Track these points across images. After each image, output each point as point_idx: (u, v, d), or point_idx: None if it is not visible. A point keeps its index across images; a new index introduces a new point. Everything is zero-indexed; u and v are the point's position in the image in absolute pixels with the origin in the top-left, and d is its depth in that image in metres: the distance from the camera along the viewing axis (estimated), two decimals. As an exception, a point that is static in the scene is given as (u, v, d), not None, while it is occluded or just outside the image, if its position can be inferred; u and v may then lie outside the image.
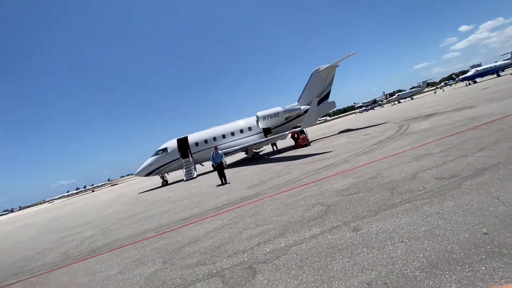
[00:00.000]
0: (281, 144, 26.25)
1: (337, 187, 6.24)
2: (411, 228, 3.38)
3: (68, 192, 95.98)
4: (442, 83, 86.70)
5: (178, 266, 4.31)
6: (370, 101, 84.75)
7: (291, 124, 22.29)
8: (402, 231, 3.37)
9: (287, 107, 22.86)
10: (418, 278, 2.46)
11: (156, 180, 24.55)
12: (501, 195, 3.57)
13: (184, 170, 20.19)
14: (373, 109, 74.03)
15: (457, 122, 10.76)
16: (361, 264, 2.91)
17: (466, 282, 2.26)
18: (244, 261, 3.80)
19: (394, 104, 67.46)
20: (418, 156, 7.01)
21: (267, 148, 26.14)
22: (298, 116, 22.34)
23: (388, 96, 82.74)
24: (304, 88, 24.04)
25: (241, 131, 21.75)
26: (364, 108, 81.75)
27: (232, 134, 21.57)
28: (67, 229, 12.48)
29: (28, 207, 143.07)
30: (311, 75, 23.75)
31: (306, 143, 19.75)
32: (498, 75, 49.47)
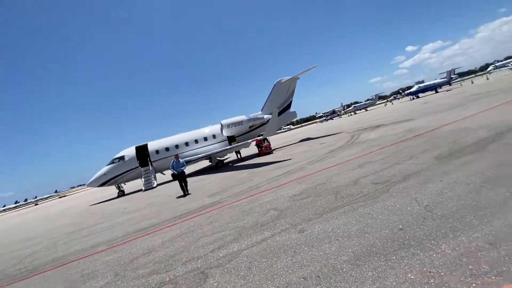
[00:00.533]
0: (245, 152, 26.64)
1: (291, 193, 6.69)
2: (346, 227, 3.86)
3: (4, 206, 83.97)
4: (392, 97, 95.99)
5: (130, 277, 4.25)
6: (329, 111, 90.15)
7: (255, 133, 22.85)
8: (338, 230, 3.83)
9: (251, 116, 23.44)
10: (345, 269, 2.87)
11: (112, 190, 23.00)
12: (418, 197, 4.27)
13: (143, 179, 19.31)
14: (332, 119, 78.91)
15: (399, 133, 12.16)
16: (301, 262, 3.26)
17: (380, 269, 2.71)
18: (198, 267, 3.92)
19: (351, 115, 72.72)
20: (362, 163, 7.83)
21: (232, 156, 26.30)
22: (262, 124, 22.99)
23: (345, 107, 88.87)
24: (267, 98, 24.94)
25: (205, 138, 21.64)
26: (324, 118, 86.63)
27: (196, 141, 21.34)
28: (5, 246, 11.08)
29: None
30: (274, 86, 24.78)
31: (269, 151, 20.39)
32: (436, 91, 56.47)
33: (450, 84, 59.32)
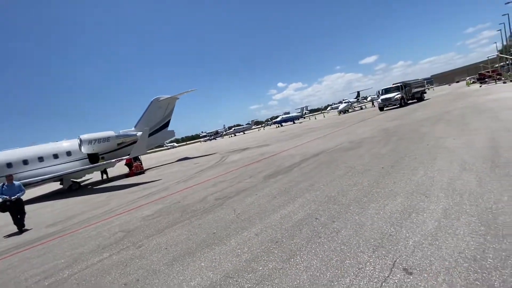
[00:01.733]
0: (115, 172, 23.78)
1: (145, 214, 6.99)
2: (177, 237, 4.70)
3: None
4: (264, 123, 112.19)
5: None
6: (213, 132, 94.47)
7: (125, 151, 21.03)
8: (170, 241, 4.61)
9: (121, 131, 21.58)
10: (162, 270, 3.62)
11: None
12: (236, 208, 5.73)
13: None
14: (216, 139, 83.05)
15: (254, 156, 14.82)
16: (129, 272, 3.76)
17: (186, 263, 3.65)
18: (10, 303, 3.61)
19: (231, 136, 79.21)
20: (216, 182, 9.20)
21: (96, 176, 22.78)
22: (133, 142, 21.49)
23: (228, 128, 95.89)
24: (143, 115, 23.85)
25: (56, 156, 17.89)
26: (208, 138, 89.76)
27: (40, 159, 17.24)
28: None
29: None
30: (151, 103, 24.07)
31: (141, 170, 19.30)
32: (294, 122, 71.00)
33: (302, 118, 76.15)
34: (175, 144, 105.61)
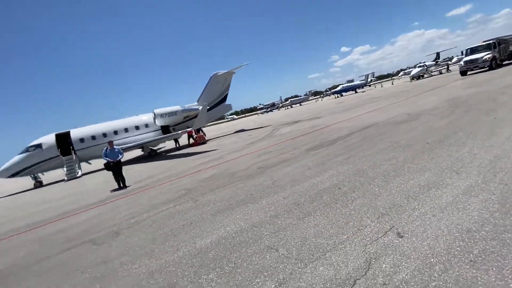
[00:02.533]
0: (184, 140, 27.26)
1: (203, 177, 8.39)
2: (223, 196, 5.76)
3: None
4: (323, 94, 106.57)
5: (51, 245, 5.32)
6: (270, 104, 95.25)
7: (190, 123, 23.72)
8: (220, 198, 5.70)
9: (186, 106, 24.17)
10: (208, 218, 4.70)
11: (25, 182, 20.98)
12: (274, 175, 6.45)
13: (65, 169, 18.35)
14: (272, 111, 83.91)
15: (304, 129, 15.05)
16: (186, 218, 4.98)
17: (226, 214, 4.62)
18: (113, 230, 5.29)
19: (287, 108, 78.67)
20: (262, 153, 10.06)
21: (170, 144, 26.62)
22: (196, 115, 23.97)
23: (284, 100, 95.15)
24: (203, 90, 25.95)
25: (137, 127, 21.57)
26: (264, 110, 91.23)
27: (126, 130, 21.10)
28: None
29: None
30: (210, 78, 25.87)
31: (203, 141, 21.77)
32: (356, 92, 65.68)
33: (368, 86, 69.69)
34: (235, 117, 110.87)
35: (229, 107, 27.88)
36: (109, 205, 7.68)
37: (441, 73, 46.18)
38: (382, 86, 57.28)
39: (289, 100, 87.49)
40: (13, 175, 17.97)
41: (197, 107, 24.60)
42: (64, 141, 19.04)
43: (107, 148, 9.92)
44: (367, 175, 4.93)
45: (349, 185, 4.66)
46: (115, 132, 20.60)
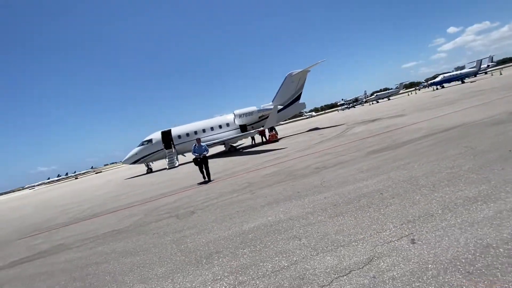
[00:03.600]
0: (258, 138, 29.34)
1: (265, 173, 9.39)
2: (279, 191, 6.53)
3: (49, 178, 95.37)
4: (420, 85, 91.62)
5: (152, 215, 7.33)
6: (352, 99, 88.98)
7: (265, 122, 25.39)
8: (274, 192, 6.52)
9: (262, 106, 25.91)
10: (257, 208, 5.59)
11: (141, 168, 27.17)
12: (325, 176, 6.76)
13: (167, 160, 22.97)
14: (355, 107, 78.25)
15: (377, 129, 14.08)
16: (242, 206, 6.02)
17: (272, 207, 5.39)
18: (190, 210, 6.87)
19: (372, 103, 71.74)
20: (324, 154, 10.25)
21: (247, 142, 29.24)
22: (270, 115, 25.40)
23: (369, 95, 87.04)
24: (278, 90, 27.11)
25: (220, 126, 24.68)
26: (346, 106, 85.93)
27: (212, 129, 24.47)
28: (69, 204, 15.20)
29: (5, 193, 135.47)
30: (285, 78, 26.79)
31: (275, 139, 23.02)
32: (463, 82, 54.02)
33: (481, 73, 56.31)
34: (313, 114, 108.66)
35: (303, 105, 28.15)
36: (193, 190, 9.63)
37: None
38: (501, 74, 45.30)
39: (375, 94, 79.40)
40: (134, 163, 23.85)
41: (271, 107, 25.99)
42: (166, 137, 23.78)
43: (195, 145, 10.89)
44: (416, 183, 4.75)
45: (392, 191, 4.65)
46: (204, 130, 24.21)
